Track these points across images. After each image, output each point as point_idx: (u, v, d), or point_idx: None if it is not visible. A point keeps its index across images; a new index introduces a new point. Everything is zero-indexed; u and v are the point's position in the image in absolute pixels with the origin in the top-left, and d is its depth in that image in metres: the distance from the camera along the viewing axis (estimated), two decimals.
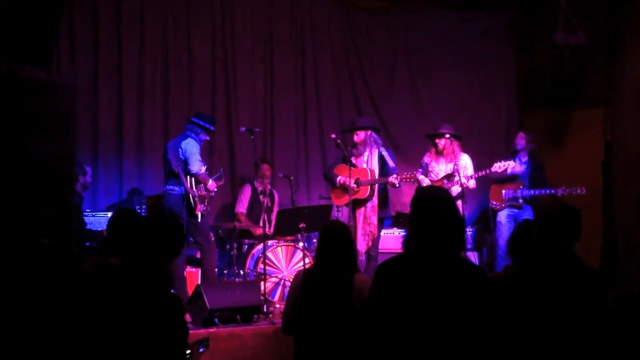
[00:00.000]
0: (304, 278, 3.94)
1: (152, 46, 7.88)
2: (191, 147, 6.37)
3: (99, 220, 6.83)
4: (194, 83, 8.08)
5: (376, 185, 6.75)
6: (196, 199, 6.30)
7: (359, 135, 6.89)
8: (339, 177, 6.86)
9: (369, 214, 6.74)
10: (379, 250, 6.93)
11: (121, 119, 7.72)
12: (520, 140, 7.56)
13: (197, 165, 6.33)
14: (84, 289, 3.52)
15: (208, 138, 6.74)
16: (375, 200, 6.76)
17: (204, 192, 6.39)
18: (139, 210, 7.07)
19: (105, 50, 7.64)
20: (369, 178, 6.72)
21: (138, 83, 7.81)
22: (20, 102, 3.97)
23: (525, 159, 7.54)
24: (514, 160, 7.37)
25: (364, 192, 6.72)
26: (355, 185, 6.69)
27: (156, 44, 7.91)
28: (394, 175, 6.60)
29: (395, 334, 2.70)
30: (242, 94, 8.31)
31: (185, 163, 6.34)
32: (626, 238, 7.63)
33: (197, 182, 6.38)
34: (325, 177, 7.23)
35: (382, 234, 7.19)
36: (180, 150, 6.37)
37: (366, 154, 6.86)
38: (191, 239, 6.52)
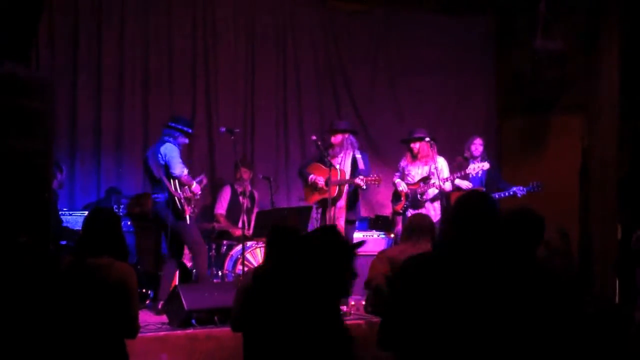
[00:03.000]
0: (254, 276, 3.96)
1: (133, 44, 7.83)
2: (170, 151, 6.28)
3: (76, 219, 6.76)
4: (174, 83, 8.04)
5: (345, 186, 6.76)
6: (182, 201, 6.23)
7: (337, 138, 6.91)
8: (310, 176, 6.88)
9: (337, 215, 6.73)
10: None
11: (100, 117, 7.66)
12: (479, 147, 7.52)
13: (179, 168, 6.24)
14: (61, 287, 3.49)
15: (187, 141, 6.64)
16: (343, 201, 6.76)
17: (189, 194, 6.33)
18: (116, 210, 7.00)
19: (85, 48, 7.59)
20: (338, 178, 6.73)
21: (118, 81, 7.76)
22: None
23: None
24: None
25: (332, 192, 6.71)
26: (323, 184, 6.72)
27: (137, 43, 7.86)
28: (360, 177, 6.63)
29: (433, 333, 2.69)
30: (222, 94, 8.28)
31: (167, 167, 6.26)
32: (602, 243, 7.72)
33: (181, 185, 6.31)
34: (300, 175, 7.22)
35: (361, 236, 7.21)
36: (159, 155, 6.29)
37: (340, 155, 6.88)
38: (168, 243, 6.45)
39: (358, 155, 6.90)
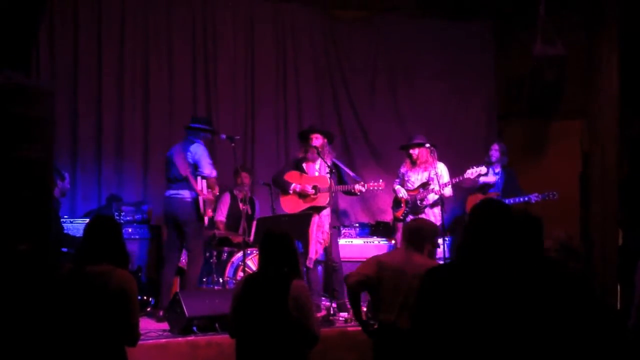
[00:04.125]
0: (245, 283, 3.98)
1: (133, 51, 7.86)
2: (201, 151, 6.40)
3: (77, 226, 6.76)
4: (174, 89, 8.05)
5: (333, 193, 6.71)
6: (206, 202, 6.30)
7: (317, 139, 6.82)
8: (293, 185, 6.82)
9: (323, 222, 6.69)
10: (358, 259, 6.95)
11: (100, 124, 7.68)
12: (495, 152, 7.68)
13: (209, 169, 6.36)
14: (61, 294, 3.49)
15: (210, 137, 6.76)
16: (330, 208, 6.69)
17: (211, 197, 6.39)
18: (117, 217, 7.01)
19: (85, 55, 7.62)
20: (328, 185, 6.63)
21: (118, 88, 7.78)
22: None
23: (498, 169, 7.66)
24: (487, 169, 7.45)
25: (324, 199, 6.67)
26: (312, 191, 6.70)
27: (136, 49, 7.88)
28: (361, 183, 6.61)
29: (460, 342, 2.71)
30: (222, 100, 8.29)
31: (196, 167, 6.33)
32: (602, 248, 7.70)
33: (209, 186, 6.38)
34: (275, 183, 7.07)
35: (362, 242, 7.19)
36: (188, 154, 6.36)
37: (319, 161, 6.83)
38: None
39: (338, 162, 6.86)
